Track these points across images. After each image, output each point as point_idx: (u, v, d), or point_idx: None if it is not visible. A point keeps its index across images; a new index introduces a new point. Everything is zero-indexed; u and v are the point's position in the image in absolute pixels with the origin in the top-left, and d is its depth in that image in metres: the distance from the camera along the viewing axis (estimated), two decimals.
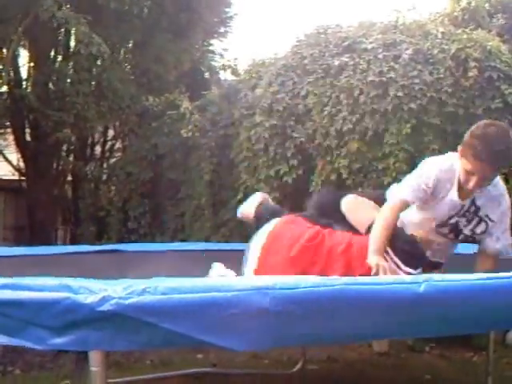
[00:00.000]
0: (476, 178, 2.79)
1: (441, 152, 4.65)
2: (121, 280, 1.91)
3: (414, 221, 3.02)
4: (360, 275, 2.36)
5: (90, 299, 1.62)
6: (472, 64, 4.82)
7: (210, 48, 7.02)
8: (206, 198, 5.47)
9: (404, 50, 4.87)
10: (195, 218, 5.62)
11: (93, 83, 6.18)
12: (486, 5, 6.40)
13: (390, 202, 2.95)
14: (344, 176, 4.69)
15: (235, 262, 2.87)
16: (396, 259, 2.68)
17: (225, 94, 5.70)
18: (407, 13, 5.41)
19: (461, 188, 2.91)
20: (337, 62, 4.91)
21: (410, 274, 2.62)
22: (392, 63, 4.79)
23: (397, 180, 4.56)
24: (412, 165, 4.55)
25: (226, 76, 6.86)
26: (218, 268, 2.84)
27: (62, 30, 5.86)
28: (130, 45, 6.42)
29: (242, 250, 2.95)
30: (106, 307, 1.60)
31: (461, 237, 3.01)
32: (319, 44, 5.21)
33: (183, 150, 5.78)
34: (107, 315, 1.60)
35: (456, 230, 2.98)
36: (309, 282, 1.67)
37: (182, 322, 1.60)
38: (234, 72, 6.65)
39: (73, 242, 6.25)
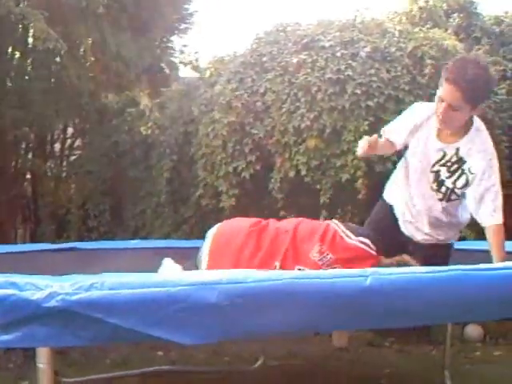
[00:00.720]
0: (445, 103, 2.86)
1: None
2: (70, 276, 1.91)
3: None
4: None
5: (36, 295, 1.61)
6: (428, 61, 4.88)
7: (170, 45, 6.98)
8: (166, 196, 5.45)
9: (362, 48, 4.91)
10: (156, 216, 5.60)
11: (52, 80, 6.10)
12: (444, 4, 6.49)
13: None
14: (303, 173, 4.71)
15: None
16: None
17: (184, 91, 5.68)
18: (365, 11, 5.45)
19: (440, 130, 3.02)
20: (295, 60, 4.92)
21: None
22: (350, 61, 4.82)
23: (355, 177, 4.62)
24: (369, 162, 4.62)
25: (186, 73, 6.84)
26: (166, 263, 2.85)
27: (20, 26, 5.78)
28: (90, 41, 6.34)
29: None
30: (52, 303, 1.59)
31: (443, 189, 3.05)
32: (278, 42, 5.22)
33: (143, 148, 5.75)
34: (54, 311, 1.60)
35: (437, 181, 3.05)
36: (256, 276, 1.69)
37: (129, 317, 1.60)
38: (195, 68, 6.64)
39: (33, 241, 6.18)
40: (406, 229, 3.23)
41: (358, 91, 4.70)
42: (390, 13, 6.57)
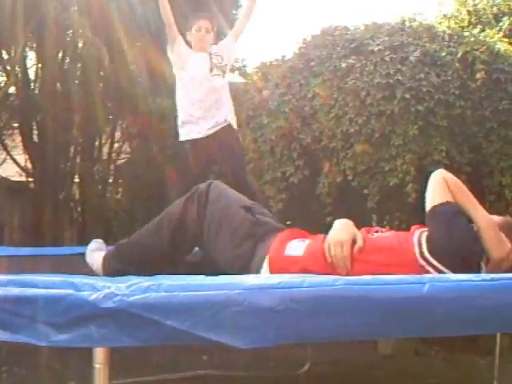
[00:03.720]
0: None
1: (448, 153, 4.69)
2: (126, 278, 1.93)
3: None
4: None
5: (93, 296, 1.62)
6: (479, 66, 4.83)
7: None
8: None
9: (411, 52, 4.88)
10: None
11: (100, 84, 6.19)
12: (494, 8, 6.40)
13: None
14: (349, 177, 4.69)
15: None
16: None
17: (232, 96, 5.69)
18: (414, 16, 5.42)
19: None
20: (343, 64, 4.91)
21: None
22: (399, 65, 4.79)
23: (404, 181, 4.57)
24: (419, 166, 4.58)
25: (234, 79, 6.86)
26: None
27: (70, 31, 5.88)
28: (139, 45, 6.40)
29: None
30: (109, 304, 1.60)
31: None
32: (326, 46, 5.22)
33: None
34: (110, 312, 1.60)
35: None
36: (311, 281, 1.68)
37: (184, 320, 1.60)
38: (242, 74, 6.64)
39: (80, 244, 6.25)
40: None
41: (408, 96, 4.67)
42: (438, 16, 6.51)
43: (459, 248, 2.36)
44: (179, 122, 4.15)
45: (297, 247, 2.59)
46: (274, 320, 1.63)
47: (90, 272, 2.87)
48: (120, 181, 6.47)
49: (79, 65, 6.23)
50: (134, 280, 1.69)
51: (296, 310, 1.64)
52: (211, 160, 4.15)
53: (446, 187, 2.57)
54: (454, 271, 2.22)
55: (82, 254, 3.79)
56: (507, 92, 4.88)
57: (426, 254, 2.37)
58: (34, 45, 6.26)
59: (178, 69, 4.13)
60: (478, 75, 4.79)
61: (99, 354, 1.66)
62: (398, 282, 1.75)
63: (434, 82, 4.75)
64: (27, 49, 6.26)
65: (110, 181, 6.59)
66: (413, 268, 2.32)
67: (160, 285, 1.64)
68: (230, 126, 4.03)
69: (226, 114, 4.05)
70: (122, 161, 6.66)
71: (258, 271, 2.57)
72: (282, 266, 2.51)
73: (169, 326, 1.60)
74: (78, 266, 3.38)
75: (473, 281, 1.76)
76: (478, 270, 2.34)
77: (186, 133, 4.08)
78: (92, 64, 5.90)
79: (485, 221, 2.50)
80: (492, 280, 1.80)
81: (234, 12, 6.94)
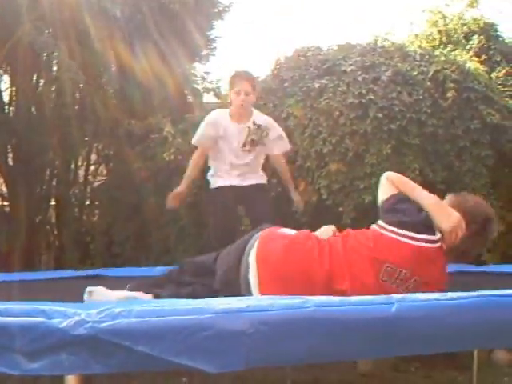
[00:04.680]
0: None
1: (422, 171, 4.73)
2: (97, 303, 1.93)
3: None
4: None
5: (64, 323, 1.63)
6: (450, 85, 4.89)
7: (193, 72, 7.04)
8: (190, 221, 5.46)
9: (383, 72, 4.94)
10: (179, 241, 5.61)
11: (76, 107, 6.19)
12: (464, 27, 6.50)
13: None
14: (324, 196, 4.72)
15: None
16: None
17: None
18: (385, 36, 5.48)
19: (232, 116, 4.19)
20: (317, 85, 4.95)
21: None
22: (371, 85, 4.84)
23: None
24: None
25: (209, 99, 6.89)
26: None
27: (45, 54, 5.88)
28: (113, 69, 6.42)
29: None
30: (80, 331, 1.61)
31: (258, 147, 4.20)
32: (299, 67, 5.26)
33: (166, 174, 5.78)
34: (82, 339, 1.61)
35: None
36: (280, 303, 1.70)
37: (156, 345, 1.61)
38: (217, 95, 6.68)
39: (57, 268, 6.21)
40: None
41: (380, 115, 4.72)
42: (409, 36, 6.59)
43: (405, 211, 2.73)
44: (211, 173, 4.40)
45: (288, 231, 2.93)
46: (244, 344, 1.64)
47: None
48: (96, 203, 6.43)
49: (54, 87, 6.22)
50: (107, 306, 1.70)
51: (266, 332, 1.65)
52: (238, 202, 4.34)
53: (391, 184, 2.88)
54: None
55: (59, 279, 3.79)
56: (478, 110, 4.94)
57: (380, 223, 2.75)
58: (8, 68, 6.25)
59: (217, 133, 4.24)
60: (449, 94, 4.85)
61: (71, 382, 1.67)
62: (366, 303, 1.78)
63: (406, 101, 4.80)
64: (1, 72, 6.26)
65: (87, 203, 6.56)
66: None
67: (130, 311, 1.65)
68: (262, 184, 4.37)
69: (260, 178, 4.35)
70: (98, 183, 6.63)
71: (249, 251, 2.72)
72: (271, 238, 2.77)
73: (140, 352, 1.61)
74: (55, 290, 3.38)
75: (440, 300, 1.79)
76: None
77: (216, 181, 4.33)
78: (67, 87, 5.90)
79: (427, 198, 2.78)
80: (459, 299, 1.83)
81: (208, 33, 6.99)
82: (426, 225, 2.67)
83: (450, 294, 1.90)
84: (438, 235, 2.66)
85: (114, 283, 3.70)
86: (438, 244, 2.64)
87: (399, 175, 2.94)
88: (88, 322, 1.62)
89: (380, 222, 2.78)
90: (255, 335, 1.64)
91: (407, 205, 2.76)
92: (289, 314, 1.68)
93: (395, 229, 2.67)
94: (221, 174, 4.27)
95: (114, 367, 1.64)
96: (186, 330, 1.62)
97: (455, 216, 2.68)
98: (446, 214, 2.69)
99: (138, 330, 1.62)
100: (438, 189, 4.74)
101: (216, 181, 4.31)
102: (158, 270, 4.19)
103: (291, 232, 2.94)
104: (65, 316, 1.65)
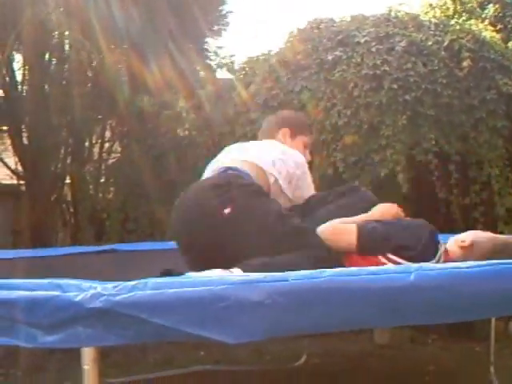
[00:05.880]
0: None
1: (437, 142, 4.69)
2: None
3: None
4: None
5: (79, 297, 1.63)
6: (466, 54, 4.83)
7: (205, 47, 7.00)
8: None
9: (397, 43, 4.88)
10: None
11: (88, 85, 6.18)
12: None
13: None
14: (340, 170, 4.69)
15: None
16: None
17: (220, 92, 5.69)
18: (399, 6, 5.42)
19: None
20: (330, 57, 4.91)
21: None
22: (385, 56, 4.80)
23: (394, 171, 4.58)
24: (409, 156, 4.59)
25: (222, 74, 6.86)
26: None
27: (56, 33, 5.86)
28: (125, 46, 6.39)
29: None
30: (95, 304, 1.61)
31: None
32: (312, 39, 5.22)
33: (180, 150, 5.77)
34: (97, 312, 1.61)
35: None
36: (297, 274, 1.69)
37: (171, 317, 1.61)
38: (230, 69, 6.64)
39: (73, 244, 6.24)
40: None
41: (395, 86, 4.68)
42: (423, 6, 6.51)
43: None
44: None
45: None
46: (261, 314, 1.64)
47: None
48: (111, 180, 6.44)
49: (66, 66, 6.20)
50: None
51: (283, 303, 1.65)
52: None
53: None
54: None
55: (77, 254, 3.82)
56: (494, 80, 4.87)
57: None
58: (21, 47, 6.24)
59: None
60: (465, 63, 4.79)
61: (87, 354, 1.67)
62: (384, 271, 1.77)
63: (420, 72, 4.75)
64: (14, 52, 6.25)
65: (102, 181, 6.56)
66: None
67: (146, 283, 1.64)
68: None
69: None
70: (113, 160, 6.64)
71: None
72: None
73: (156, 324, 1.61)
74: (72, 266, 3.40)
75: (457, 268, 1.78)
76: None
77: None
78: (79, 65, 5.89)
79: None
80: (476, 267, 1.82)
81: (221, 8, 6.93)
82: None
83: (467, 263, 1.89)
84: None
85: (128, 257, 3.76)
86: None
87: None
88: (103, 295, 1.61)
89: None
90: (272, 306, 1.63)
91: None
92: (305, 284, 1.67)
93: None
94: None
95: (130, 338, 1.64)
96: (202, 302, 1.62)
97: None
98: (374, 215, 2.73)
99: (154, 302, 1.61)
100: (453, 160, 4.71)
101: None
102: (171, 244, 4.22)
103: None
104: (80, 289, 1.65)
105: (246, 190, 2.62)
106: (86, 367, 1.67)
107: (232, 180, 2.65)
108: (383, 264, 2.44)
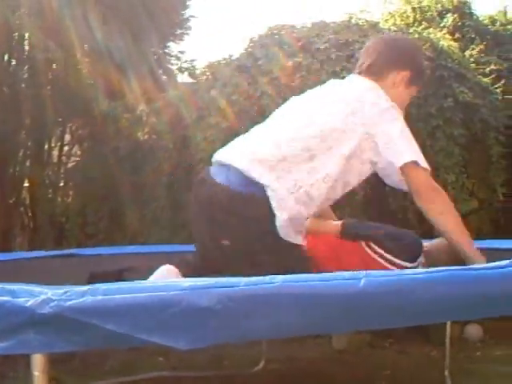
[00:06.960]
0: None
1: None
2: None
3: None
4: None
5: (30, 302, 1.62)
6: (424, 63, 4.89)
7: (167, 51, 6.99)
8: (165, 201, 5.44)
9: (357, 50, 4.92)
10: (154, 221, 5.59)
11: (48, 87, 6.11)
12: (438, 5, 6.50)
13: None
14: None
15: None
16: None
17: (181, 96, 5.68)
18: (360, 13, 5.47)
19: None
20: (290, 63, 4.94)
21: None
22: (345, 63, 4.84)
23: None
24: None
25: (183, 78, 6.85)
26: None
27: (16, 34, 5.80)
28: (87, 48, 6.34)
29: None
30: (45, 310, 1.60)
31: None
32: (273, 45, 5.23)
33: (141, 154, 5.75)
34: (47, 318, 1.61)
35: None
36: (248, 280, 1.70)
37: (122, 323, 1.61)
38: (192, 74, 6.63)
39: (32, 249, 6.17)
40: None
41: None
42: (383, 14, 6.59)
43: None
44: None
45: None
46: (212, 320, 1.65)
47: None
48: (71, 184, 6.38)
49: (26, 67, 6.13)
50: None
51: (234, 309, 1.66)
52: None
53: None
54: None
55: (35, 259, 3.78)
56: (451, 88, 4.95)
57: None
58: None
59: None
60: None
61: (38, 361, 1.66)
62: (334, 278, 1.79)
63: None
64: None
65: (61, 184, 6.50)
66: None
67: (97, 289, 1.65)
68: None
69: None
70: (72, 164, 6.58)
71: None
72: None
73: (107, 330, 1.61)
74: (29, 271, 3.37)
75: (405, 274, 1.81)
76: None
77: None
78: (40, 66, 5.82)
79: None
80: (426, 273, 1.85)
81: (183, 12, 6.93)
82: None
83: (416, 270, 1.93)
84: None
85: (87, 262, 3.73)
86: None
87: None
88: (54, 300, 1.61)
89: None
90: (223, 311, 1.64)
91: None
92: (256, 290, 1.68)
93: None
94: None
95: (82, 345, 1.65)
96: (153, 307, 1.63)
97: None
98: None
99: (104, 308, 1.61)
100: None
101: None
102: (131, 248, 4.21)
103: None
104: (31, 295, 1.65)
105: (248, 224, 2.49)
106: (36, 374, 1.67)
107: (239, 211, 2.53)
108: (363, 250, 2.52)
